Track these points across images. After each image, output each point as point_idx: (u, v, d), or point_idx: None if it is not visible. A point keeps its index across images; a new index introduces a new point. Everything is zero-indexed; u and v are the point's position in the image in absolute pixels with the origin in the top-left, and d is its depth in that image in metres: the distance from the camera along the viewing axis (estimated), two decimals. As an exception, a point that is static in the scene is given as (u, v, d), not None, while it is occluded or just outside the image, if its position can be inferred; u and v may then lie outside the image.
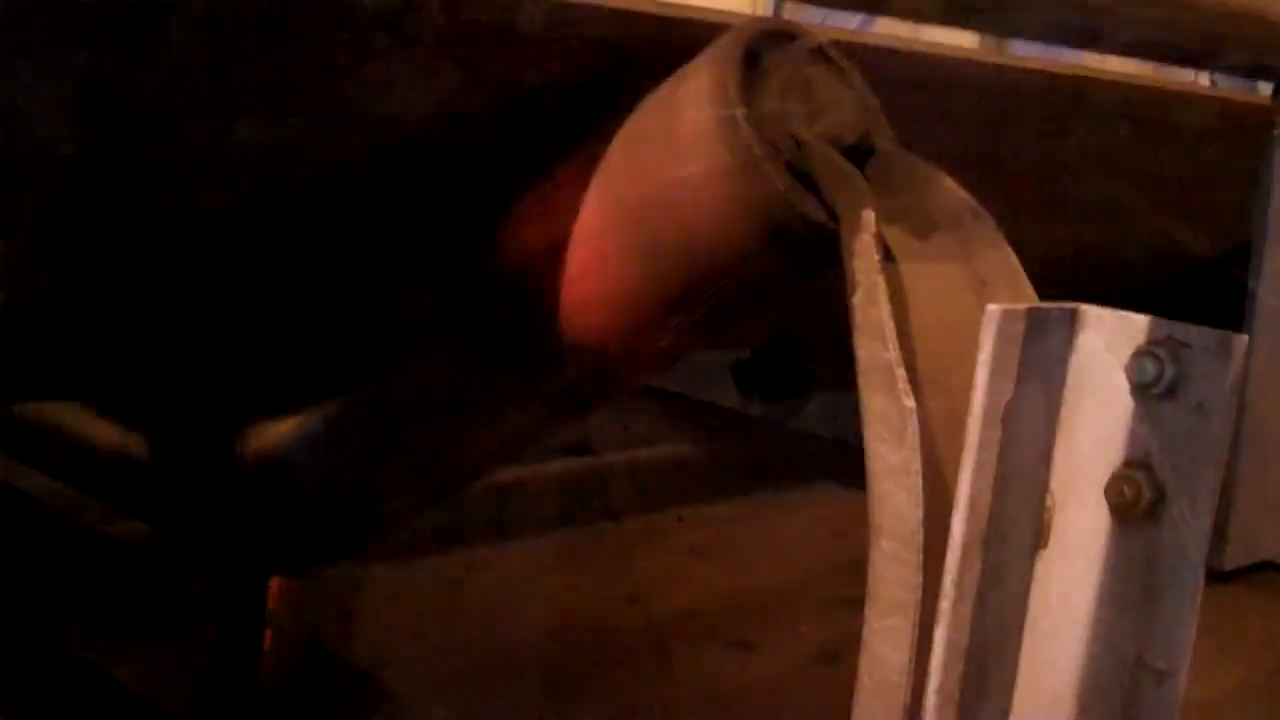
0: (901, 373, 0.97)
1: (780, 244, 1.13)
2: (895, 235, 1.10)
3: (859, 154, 1.14)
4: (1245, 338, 0.91)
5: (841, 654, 1.74)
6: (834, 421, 3.10)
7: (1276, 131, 2.09)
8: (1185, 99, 2.13)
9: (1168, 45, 1.65)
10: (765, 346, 2.83)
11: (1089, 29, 1.63)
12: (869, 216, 1.03)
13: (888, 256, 1.07)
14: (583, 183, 1.23)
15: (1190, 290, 2.32)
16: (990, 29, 1.88)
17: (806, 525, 2.53)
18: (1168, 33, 1.58)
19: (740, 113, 1.11)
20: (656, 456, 2.95)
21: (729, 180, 1.12)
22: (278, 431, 1.45)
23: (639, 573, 2.12)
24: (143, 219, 1.12)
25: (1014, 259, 1.15)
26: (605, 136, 1.24)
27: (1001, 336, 0.88)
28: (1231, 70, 2.03)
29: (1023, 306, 0.90)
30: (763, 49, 1.18)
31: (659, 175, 1.16)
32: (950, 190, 1.17)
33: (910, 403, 0.94)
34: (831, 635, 1.88)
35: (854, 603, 0.94)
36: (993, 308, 0.88)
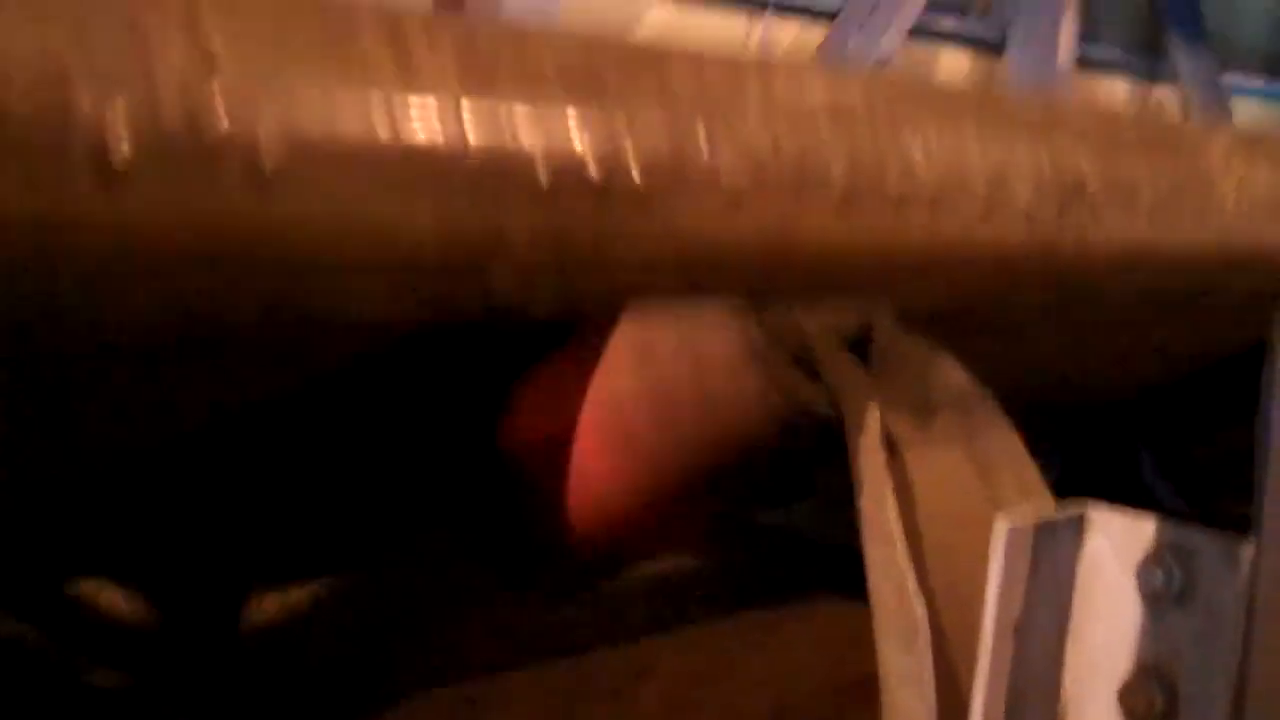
0: (912, 578, 0.98)
1: (788, 436, 1.14)
2: (899, 425, 1.12)
3: (861, 338, 1.16)
4: (1252, 545, 0.91)
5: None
6: (831, 525, 3.11)
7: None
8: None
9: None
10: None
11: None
12: (874, 417, 1.05)
13: (892, 448, 1.08)
14: (586, 368, 1.24)
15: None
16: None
17: (809, 644, 2.52)
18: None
19: (743, 310, 1.12)
20: (657, 572, 2.94)
21: (734, 372, 1.13)
22: (277, 604, 1.45)
23: (640, 705, 2.11)
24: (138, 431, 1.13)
25: (1017, 440, 1.16)
26: (606, 320, 1.26)
27: (1011, 550, 0.89)
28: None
29: (1031, 521, 0.91)
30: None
31: (662, 365, 1.17)
32: (951, 371, 1.18)
33: (921, 610, 0.95)
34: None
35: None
36: (1001, 524, 0.89)
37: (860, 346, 1.16)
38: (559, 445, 1.26)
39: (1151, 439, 2.70)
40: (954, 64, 6.09)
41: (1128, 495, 2.66)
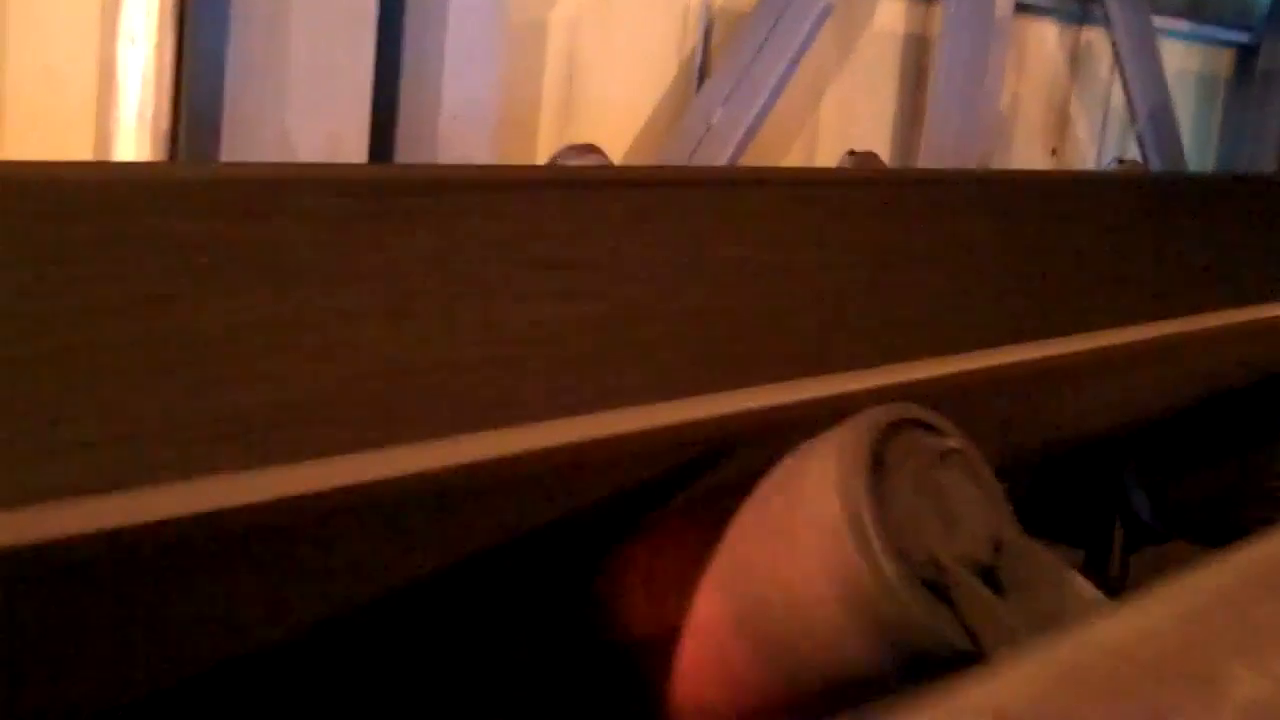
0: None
1: (913, 664, 1.12)
2: (1034, 647, 1.09)
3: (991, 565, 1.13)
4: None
5: None
6: None
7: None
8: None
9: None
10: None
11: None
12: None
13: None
14: (688, 557, 1.20)
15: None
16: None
17: None
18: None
19: (875, 534, 1.09)
20: None
21: (861, 598, 1.10)
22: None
23: None
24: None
25: (1145, 657, 1.14)
26: (710, 500, 1.22)
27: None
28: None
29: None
30: (888, 439, 1.16)
31: (783, 581, 1.14)
32: (1080, 586, 1.16)
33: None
34: None
35: None
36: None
37: (990, 571, 1.14)
38: (665, 647, 1.22)
39: (1141, 474, 2.72)
40: (891, 9, 6.02)
41: (1125, 527, 2.64)
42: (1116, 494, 2.71)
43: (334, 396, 1.07)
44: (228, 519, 0.94)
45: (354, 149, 3.51)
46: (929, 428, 1.19)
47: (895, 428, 1.17)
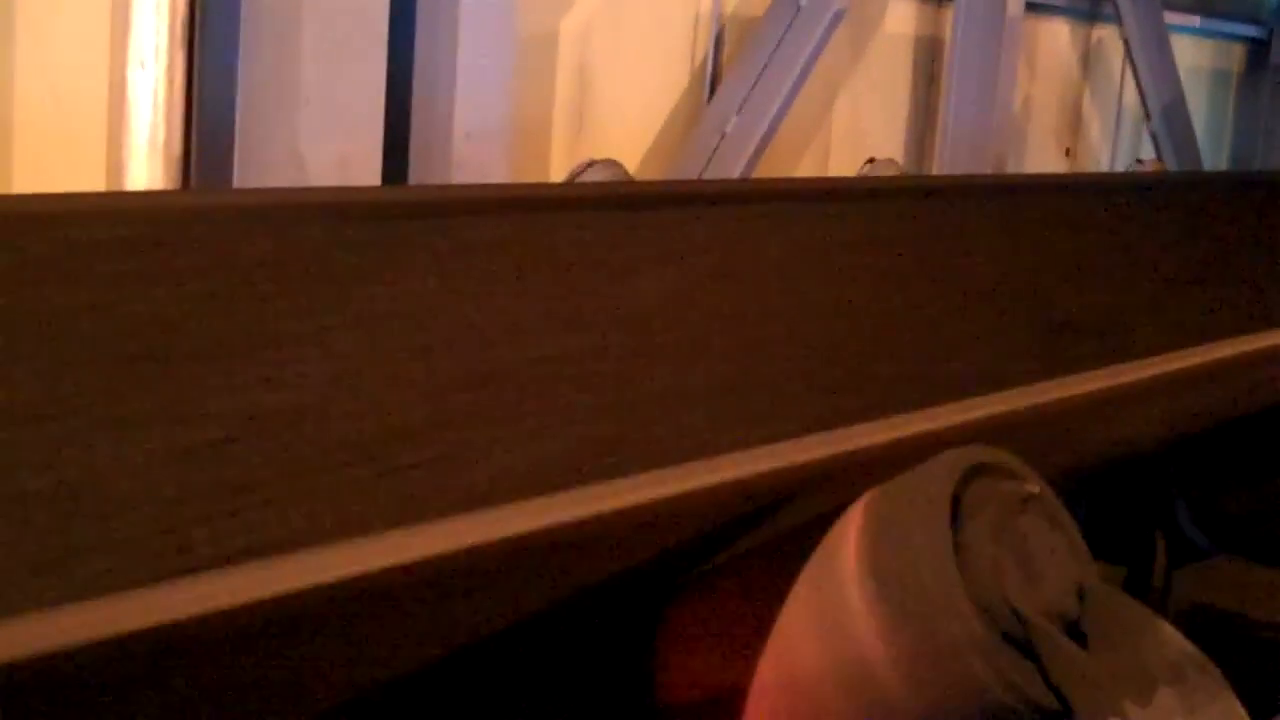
0: None
1: (991, 718, 1.06)
2: (1122, 703, 1.05)
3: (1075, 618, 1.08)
4: None
5: None
6: None
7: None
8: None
9: None
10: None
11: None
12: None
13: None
14: (746, 618, 1.15)
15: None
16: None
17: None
18: None
19: (959, 589, 1.03)
20: None
21: (942, 655, 1.05)
22: None
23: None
24: None
25: (1240, 710, 1.09)
26: (766, 555, 1.16)
27: None
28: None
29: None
30: (965, 485, 1.10)
31: (852, 641, 1.08)
32: (1169, 637, 1.11)
33: None
34: None
35: None
36: None
37: (1074, 623, 1.08)
38: (725, 708, 1.17)
39: (1184, 488, 2.66)
40: (902, 12, 5.98)
41: (1169, 542, 2.59)
42: (1159, 509, 2.65)
43: (354, 479, 1.02)
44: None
45: (367, 170, 3.46)
46: (1005, 471, 1.14)
47: (972, 473, 1.11)
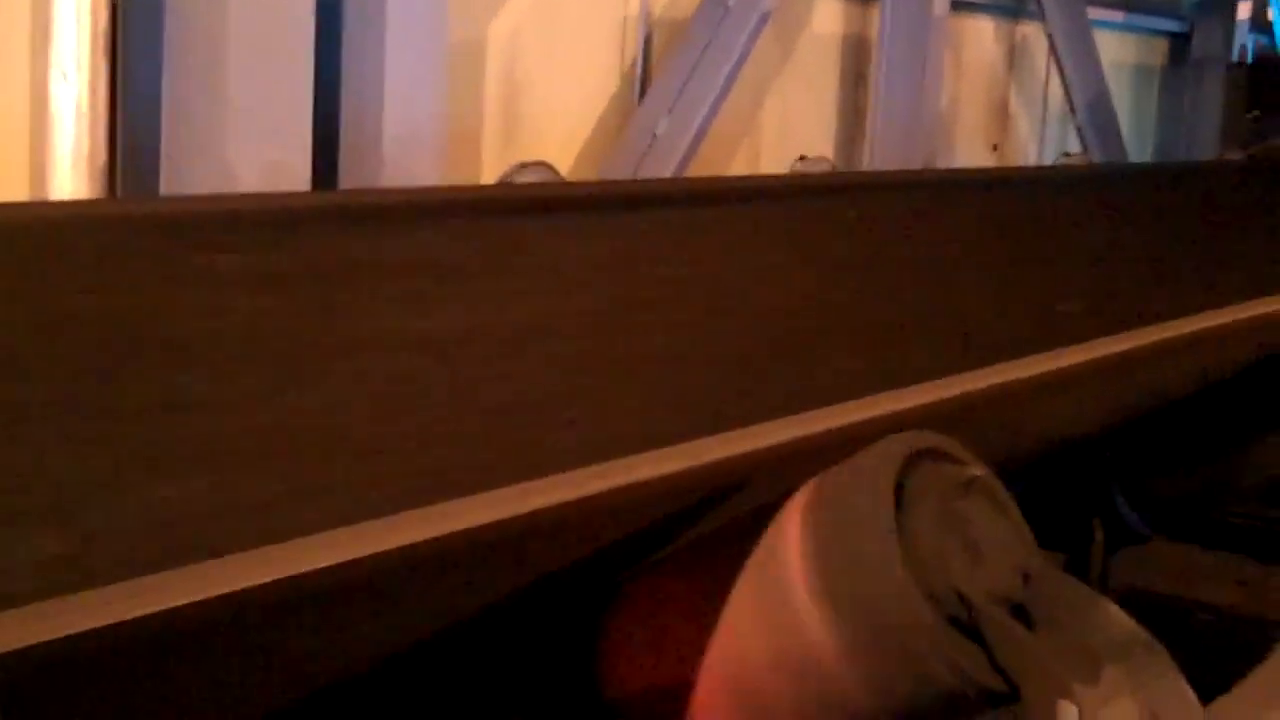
0: None
1: (945, 706, 1.06)
2: (1069, 684, 1.05)
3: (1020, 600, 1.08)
4: None
5: None
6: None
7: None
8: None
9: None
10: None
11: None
12: (1066, 709, 0.98)
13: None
14: (696, 619, 1.14)
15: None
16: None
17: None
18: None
19: (903, 571, 1.03)
20: None
21: (889, 641, 1.05)
22: None
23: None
24: None
25: (1186, 688, 1.10)
26: (711, 545, 1.15)
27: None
28: None
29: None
30: (908, 470, 1.10)
31: (798, 629, 1.08)
32: (1115, 617, 1.11)
33: None
34: None
35: None
36: None
37: (1019, 604, 1.08)
38: (672, 700, 1.16)
39: (1121, 473, 2.68)
40: (828, 12, 6.00)
41: (1106, 527, 2.60)
42: (1097, 495, 2.67)
43: (320, 472, 1.00)
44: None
45: (297, 176, 3.43)
46: (947, 456, 1.13)
47: (914, 458, 1.11)
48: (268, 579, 0.90)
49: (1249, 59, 8.57)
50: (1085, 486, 2.66)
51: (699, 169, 5.02)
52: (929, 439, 1.14)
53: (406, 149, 3.71)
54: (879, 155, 5.86)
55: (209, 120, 3.30)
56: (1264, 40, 9.13)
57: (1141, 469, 2.67)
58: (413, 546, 0.98)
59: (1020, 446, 2.12)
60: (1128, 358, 2.09)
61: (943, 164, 6.16)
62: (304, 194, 3.01)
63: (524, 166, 4.37)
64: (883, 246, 1.80)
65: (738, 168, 5.53)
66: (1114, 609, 1.10)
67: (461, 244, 1.19)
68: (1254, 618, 2.66)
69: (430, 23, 3.84)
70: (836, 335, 1.57)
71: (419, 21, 3.79)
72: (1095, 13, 7.24)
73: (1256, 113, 8.08)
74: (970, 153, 6.81)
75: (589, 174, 4.85)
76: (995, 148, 7.11)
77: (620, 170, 4.84)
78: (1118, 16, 7.67)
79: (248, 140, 3.33)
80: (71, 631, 0.83)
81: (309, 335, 1.04)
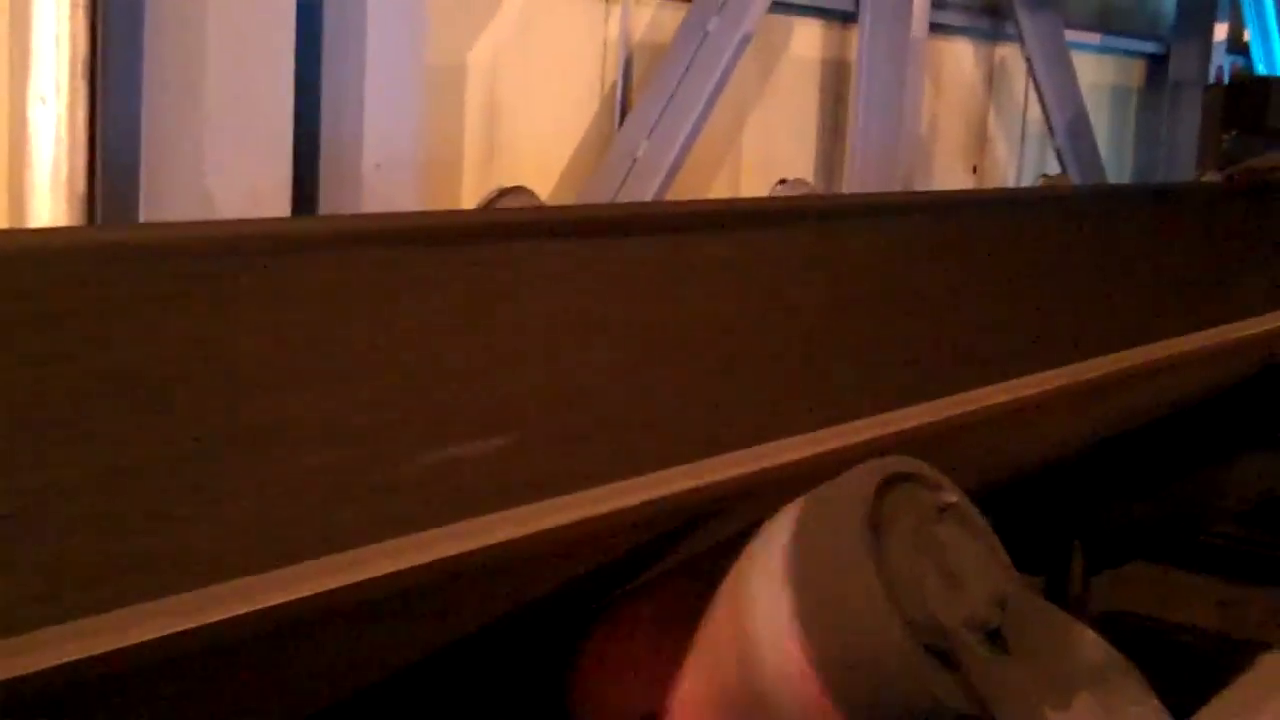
0: None
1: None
2: (1044, 711, 1.05)
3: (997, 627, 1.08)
4: None
5: None
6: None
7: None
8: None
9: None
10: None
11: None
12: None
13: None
14: (668, 635, 1.14)
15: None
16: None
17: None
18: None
19: (879, 597, 1.03)
20: None
21: (865, 667, 1.05)
22: None
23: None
24: None
25: (1160, 710, 1.10)
26: (688, 573, 1.16)
27: None
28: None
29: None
30: (883, 496, 1.10)
31: (774, 654, 1.08)
32: (1090, 642, 1.11)
33: None
34: None
35: None
36: None
37: (995, 631, 1.08)
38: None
39: (1099, 495, 2.69)
40: (807, 35, 6.02)
41: (1086, 549, 2.60)
42: (1076, 517, 2.68)
43: (280, 507, 1.00)
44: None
45: (277, 203, 3.43)
46: (923, 481, 1.14)
47: (889, 483, 1.11)
48: (214, 619, 0.90)
49: (1225, 80, 8.63)
50: (1065, 509, 2.66)
51: (679, 192, 5.03)
52: (904, 464, 1.14)
53: (386, 174, 3.71)
54: (858, 178, 5.88)
55: (189, 146, 3.30)
56: (1240, 62, 9.20)
57: (1120, 491, 2.68)
58: (380, 579, 0.98)
59: (999, 469, 2.13)
60: (1105, 380, 2.10)
61: (921, 185, 6.18)
62: (284, 220, 3.02)
63: (504, 192, 4.38)
64: (855, 272, 1.81)
65: (718, 190, 5.55)
66: (1090, 634, 1.11)
67: (435, 270, 1.19)
68: (1232, 639, 2.67)
69: (409, 47, 3.85)
70: (813, 361, 1.57)
71: (398, 46, 3.80)
72: (1073, 35, 7.28)
73: (1234, 133, 8.13)
74: (949, 174, 6.84)
75: (570, 198, 4.86)
76: (974, 169, 7.14)
77: (601, 194, 4.85)
78: (1095, 39, 7.72)
79: (227, 167, 3.33)
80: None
81: (261, 360, 1.04)
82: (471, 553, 1.05)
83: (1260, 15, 9.39)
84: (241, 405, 1.00)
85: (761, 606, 1.11)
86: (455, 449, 1.13)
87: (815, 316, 1.66)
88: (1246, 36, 9.19)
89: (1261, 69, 9.24)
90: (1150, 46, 8.30)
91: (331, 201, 3.69)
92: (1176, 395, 2.47)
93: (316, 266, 1.09)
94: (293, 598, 0.93)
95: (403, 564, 1.00)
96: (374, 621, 1.04)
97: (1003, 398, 1.75)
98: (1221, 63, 8.70)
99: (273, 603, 0.92)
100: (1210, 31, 8.39)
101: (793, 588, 1.08)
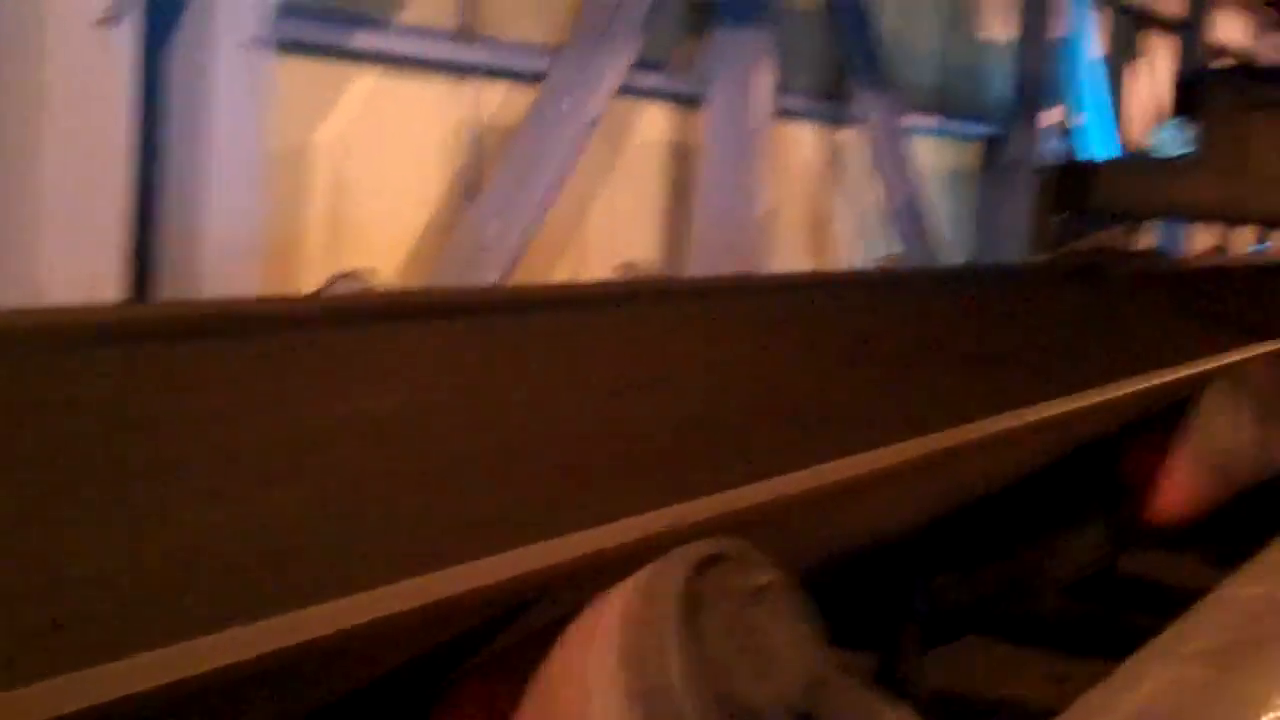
0: None
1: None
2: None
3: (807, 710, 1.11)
4: None
5: None
6: None
7: None
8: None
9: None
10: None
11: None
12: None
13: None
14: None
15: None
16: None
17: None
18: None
19: (690, 680, 1.05)
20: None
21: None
22: None
23: None
24: None
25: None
26: (512, 658, 1.17)
27: None
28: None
29: None
30: (699, 577, 1.13)
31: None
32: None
33: None
34: None
35: None
36: None
37: (806, 714, 1.11)
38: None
39: (934, 570, 2.75)
40: (655, 119, 6.11)
41: (920, 625, 2.65)
42: (910, 593, 2.73)
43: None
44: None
45: (111, 289, 3.38)
46: (740, 562, 1.16)
47: (706, 565, 1.14)
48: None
49: (1057, 163, 8.93)
50: (899, 586, 2.71)
51: (525, 274, 5.05)
52: (722, 545, 1.17)
53: (227, 259, 3.68)
54: (701, 260, 5.96)
55: (23, 233, 3.25)
56: (1070, 145, 9.54)
57: (955, 565, 2.74)
58: (227, 668, 0.98)
59: (829, 546, 2.16)
60: (938, 455, 2.15)
61: (764, 268, 6.28)
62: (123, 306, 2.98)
63: (341, 277, 4.37)
64: (683, 353, 1.84)
65: (563, 273, 5.58)
66: (904, 714, 1.13)
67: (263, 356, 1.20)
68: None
69: (253, 130, 3.83)
70: (650, 440, 1.60)
71: (242, 129, 3.78)
72: (912, 119, 7.49)
73: (1065, 214, 8.41)
74: (793, 257, 6.96)
75: (418, 280, 4.86)
76: (817, 252, 7.28)
77: (448, 275, 4.85)
78: (933, 122, 7.94)
79: (62, 253, 3.28)
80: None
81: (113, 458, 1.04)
82: (308, 641, 1.05)
83: (1091, 99, 9.77)
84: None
85: (576, 691, 1.12)
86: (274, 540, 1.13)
87: (642, 395, 1.69)
88: (1067, 123, 9.54)
89: (1091, 152, 9.60)
90: (988, 129, 8.56)
91: (171, 285, 3.65)
92: (1007, 468, 2.54)
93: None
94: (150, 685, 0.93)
95: (247, 653, 1.00)
96: (221, 706, 1.04)
97: (832, 476, 1.79)
98: (1053, 145, 9.00)
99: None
100: (1041, 115, 8.68)
101: (606, 673, 1.10)
